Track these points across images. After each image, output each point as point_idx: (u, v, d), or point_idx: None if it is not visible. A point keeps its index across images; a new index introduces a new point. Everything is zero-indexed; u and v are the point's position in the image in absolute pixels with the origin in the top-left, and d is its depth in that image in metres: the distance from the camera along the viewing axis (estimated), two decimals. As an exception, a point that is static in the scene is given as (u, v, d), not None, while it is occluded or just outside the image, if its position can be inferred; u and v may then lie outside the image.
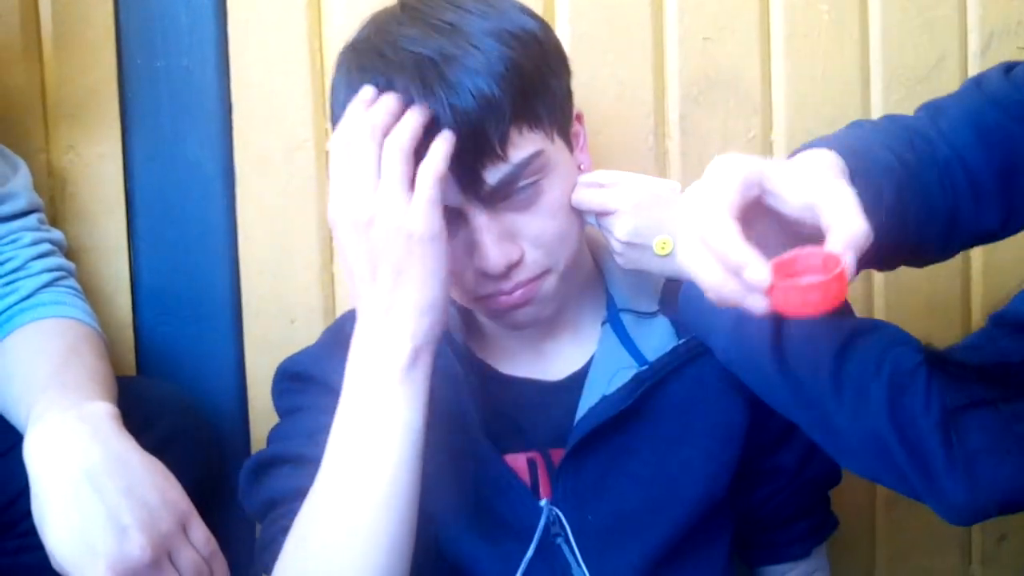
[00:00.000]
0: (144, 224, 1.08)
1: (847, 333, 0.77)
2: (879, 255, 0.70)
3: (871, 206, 0.65)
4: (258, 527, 0.90)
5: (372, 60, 0.82)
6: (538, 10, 1.10)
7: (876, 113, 1.18)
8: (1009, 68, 0.82)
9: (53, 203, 1.07)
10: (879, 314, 1.21)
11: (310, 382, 0.91)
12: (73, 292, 0.97)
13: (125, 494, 0.76)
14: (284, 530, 0.80)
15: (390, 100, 0.79)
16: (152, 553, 0.76)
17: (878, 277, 1.21)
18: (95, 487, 0.76)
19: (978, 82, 0.84)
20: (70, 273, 1.00)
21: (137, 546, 0.75)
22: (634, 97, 1.14)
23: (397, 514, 0.77)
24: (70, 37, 1.06)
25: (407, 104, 0.79)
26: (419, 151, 0.79)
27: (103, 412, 0.81)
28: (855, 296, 1.20)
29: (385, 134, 0.78)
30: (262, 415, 1.07)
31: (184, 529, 0.80)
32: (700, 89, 1.15)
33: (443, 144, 0.78)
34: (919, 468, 0.72)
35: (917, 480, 0.73)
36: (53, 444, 0.78)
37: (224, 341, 1.09)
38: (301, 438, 0.87)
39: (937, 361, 0.75)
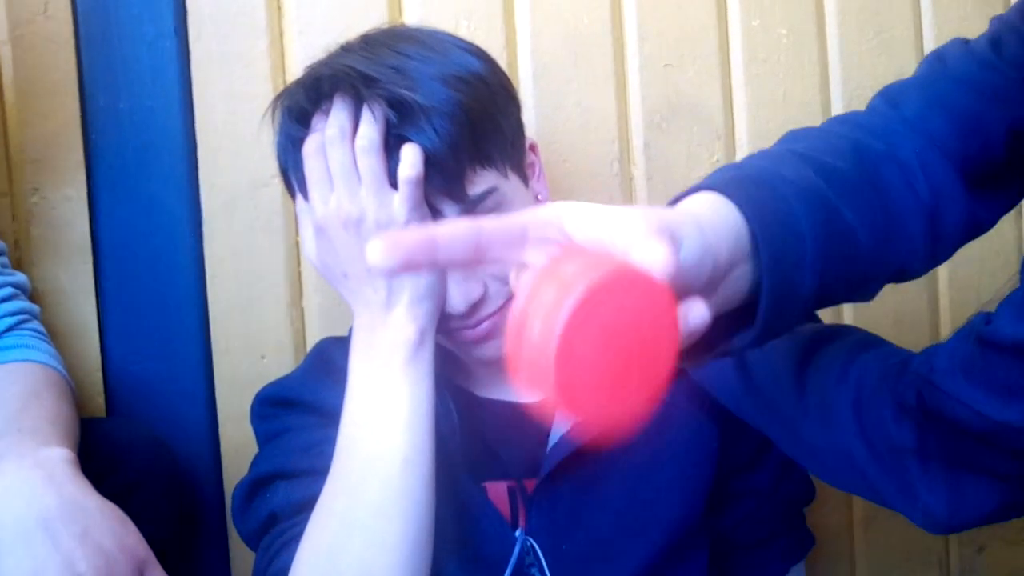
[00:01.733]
0: (111, 265, 1.08)
1: (809, 339, 0.76)
2: (850, 284, 0.64)
3: (787, 235, 0.57)
4: (235, 562, 0.89)
5: (307, 79, 0.84)
6: (500, 42, 1.12)
7: (838, 134, 1.20)
8: (967, 42, 0.78)
9: (18, 246, 1.06)
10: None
11: (295, 406, 0.91)
12: (37, 335, 0.96)
13: (80, 540, 0.75)
14: (289, 543, 0.80)
15: (350, 105, 0.80)
16: None
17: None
18: (49, 534, 0.74)
19: (940, 57, 0.77)
20: (34, 316, 0.99)
21: None
22: (598, 125, 1.15)
23: (414, 495, 0.78)
24: (32, 80, 1.06)
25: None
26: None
27: (59, 457, 0.80)
28: (822, 313, 1.21)
29: (351, 137, 0.80)
30: (234, 452, 1.07)
31: (142, 575, 0.78)
32: (663, 115, 1.16)
33: (411, 150, 0.79)
34: (894, 481, 0.71)
35: (891, 492, 0.72)
36: (7, 491, 0.76)
37: (194, 379, 1.09)
38: (294, 454, 0.87)
39: (911, 366, 0.72)
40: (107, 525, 0.77)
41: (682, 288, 0.52)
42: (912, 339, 1.22)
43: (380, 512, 0.77)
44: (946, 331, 1.24)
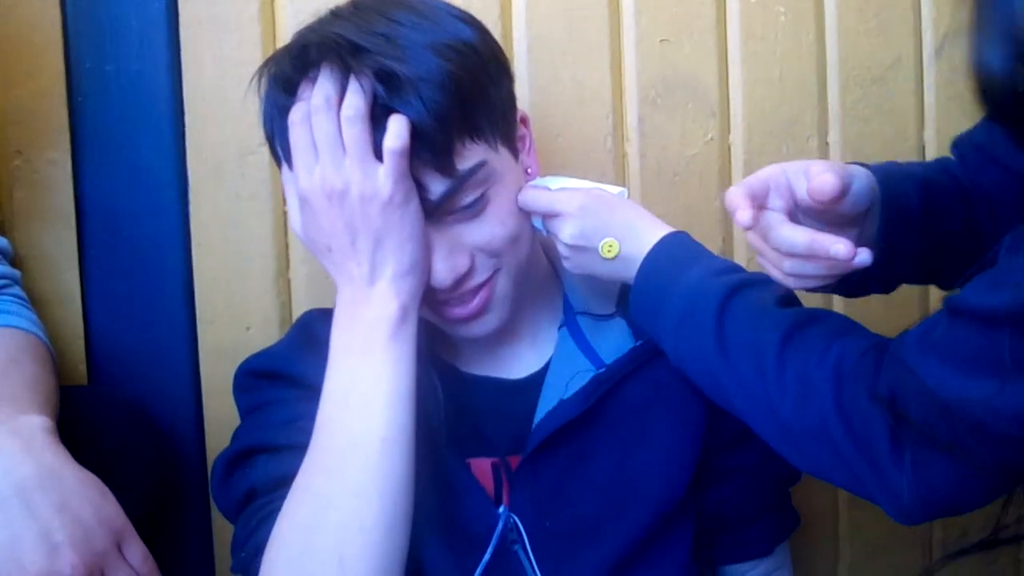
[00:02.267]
0: (95, 231, 1.06)
1: (791, 323, 0.76)
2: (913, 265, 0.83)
3: (901, 207, 0.80)
4: (217, 534, 0.88)
5: (293, 46, 0.83)
6: (495, 14, 1.10)
7: (833, 114, 1.19)
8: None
9: (0, 210, 1.04)
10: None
11: (278, 378, 0.90)
12: (18, 300, 0.95)
13: (57, 510, 0.74)
14: (268, 517, 0.79)
15: (336, 74, 0.79)
16: (84, 571, 0.73)
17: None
18: (25, 502, 0.73)
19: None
20: (15, 281, 0.98)
21: (68, 564, 0.73)
22: (592, 99, 1.14)
23: (392, 476, 0.77)
24: (16, 40, 1.04)
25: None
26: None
27: (37, 425, 0.79)
28: (813, 299, 1.20)
29: (337, 107, 0.78)
30: (217, 424, 1.05)
31: (120, 547, 0.77)
32: (658, 92, 1.15)
33: (398, 120, 0.77)
34: (866, 460, 0.71)
35: (865, 474, 0.72)
36: None
37: (178, 349, 1.07)
38: (275, 428, 0.86)
39: (889, 349, 0.73)
40: (85, 495, 0.76)
41: (851, 212, 0.81)
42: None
43: (357, 492, 0.77)
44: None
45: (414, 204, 0.80)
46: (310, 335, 0.91)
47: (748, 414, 0.80)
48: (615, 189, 0.91)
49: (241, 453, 0.87)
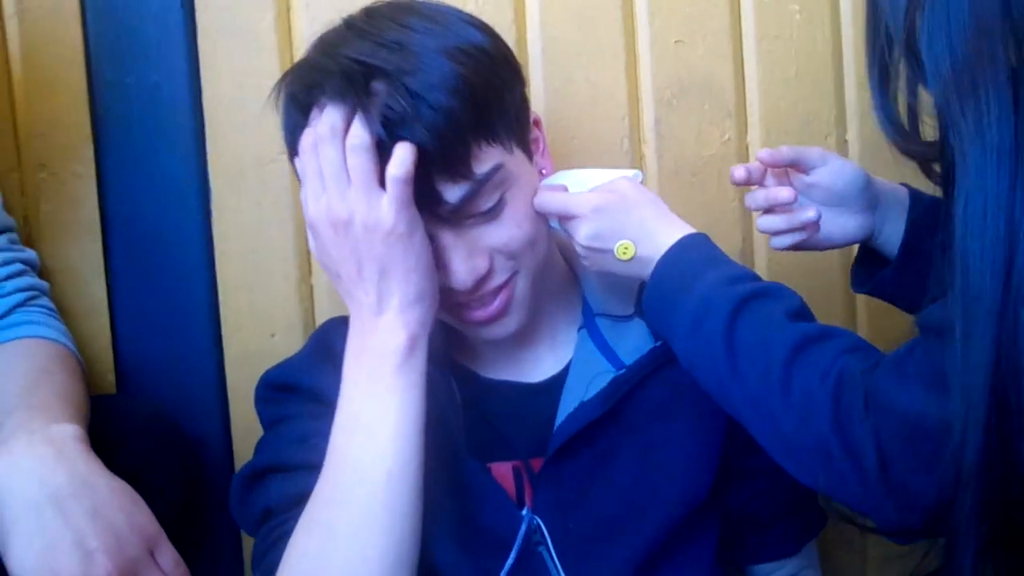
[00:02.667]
0: (120, 242, 1.07)
1: (800, 338, 0.77)
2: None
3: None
4: (246, 541, 0.89)
5: (309, 72, 0.82)
6: (509, 17, 1.10)
7: (850, 113, 1.19)
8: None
9: (27, 223, 1.06)
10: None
11: (296, 391, 0.90)
12: (46, 312, 0.96)
13: (91, 517, 0.75)
14: (281, 538, 0.80)
15: (345, 105, 0.79)
16: None
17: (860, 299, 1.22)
18: (60, 510, 0.75)
19: None
20: (43, 292, 0.99)
21: (103, 570, 0.74)
22: (608, 101, 1.14)
23: (399, 508, 0.78)
24: (39, 56, 1.05)
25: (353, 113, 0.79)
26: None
27: (70, 434, 0.80)
28: (839, 312, 1.21)
29: (343, 136, 0.79)
30: (244, 430, 1.07)
31: (152, 553, 0.79)
32: (674, 92, 1.15)
33: (404, 148, 0.78)
34: (860, 480, 0.72)
35: (859, 493, 0.72)
36: (17, 467, 0.76)
37: (204, 357, 1.09)
38: (292, 446, 0.87)
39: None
40: (118, 502, 0.77)
41: (840, 192, 0.96)
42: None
43: (363, 524, 0.77)
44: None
45: (419, 233, 0.80)
46: (327, 346, 0.92)
47: (753, 425, 0.80)
48: (629, 172, 0.91)
49: (255, 473, 0.89)
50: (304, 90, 0.82)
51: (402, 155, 0.77)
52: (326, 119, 0.79)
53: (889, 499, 0.71)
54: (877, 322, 1.22)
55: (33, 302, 0.96)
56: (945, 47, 0.66)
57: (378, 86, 0.78)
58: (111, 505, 0.77)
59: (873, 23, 0.75)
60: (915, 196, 0.98)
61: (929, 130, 0.73)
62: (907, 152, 0.76)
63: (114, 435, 0.87)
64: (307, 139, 0.80)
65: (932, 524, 0.71)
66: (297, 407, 0.89)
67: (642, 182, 0.92)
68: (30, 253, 1.00)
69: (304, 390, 0.90)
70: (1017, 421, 0.63)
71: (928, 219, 0.94)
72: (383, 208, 0.78)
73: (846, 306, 1.22)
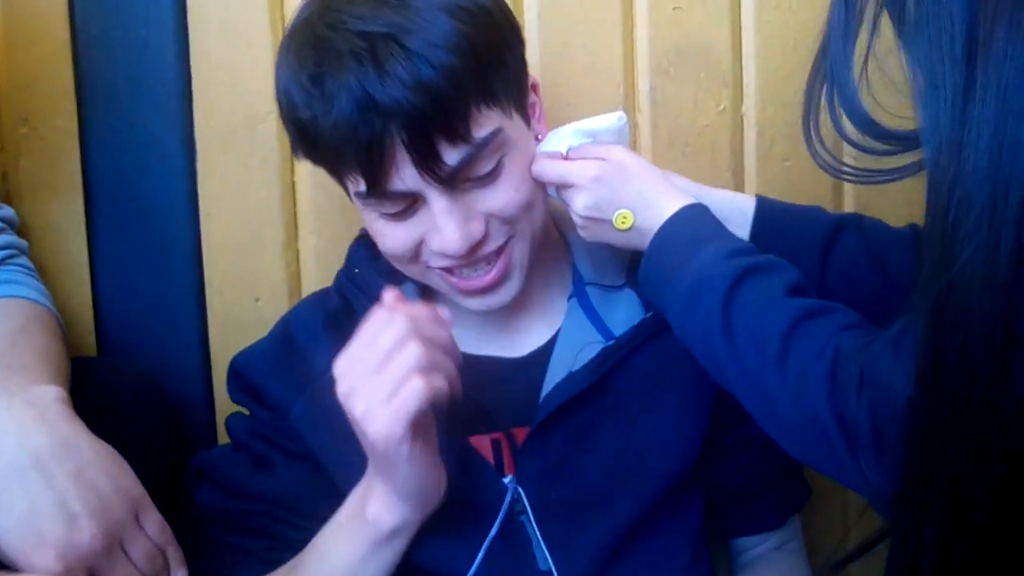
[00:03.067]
0: (103, 200, 1.05)
1: (798, 314, 0.76)
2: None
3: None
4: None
5: (315, 49, 0.79)
6: (506, -20, 1.08)
7: (847, 84, 1.18)
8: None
9: (6, 179, 1.04)
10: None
11: (257, 398, 0.92)
12: (25, 271, 0.94)
13: (75, 480, 0.74)
14: (217, 548, 0.88)
15: (352, 82, 0.76)
16: (103, 541, 0.74)
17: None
18: (43, 473, 0.74)
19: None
20: (22, 251, 0.97)
21: (88, 534, 0.73)
22: (604, 68, 1.12)
23: None
24: (21, 5, 1.02)
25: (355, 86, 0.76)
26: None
27: (52, 396, 0.79)
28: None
29: (420, 339, 0.75)
30: (227, 394, 1.05)
31: (136, 517, 0.78)
32: (670, 60, 1.13)
33: (414, 389, 0.74)
34: (852, 456, 0.71)
35: (853, 469, 0.72)
36: None
37: (187, 320, 1.07)
38: (226, 461, 0.93)
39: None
40: (101, 465, 0.76)
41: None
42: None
43: None
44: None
45: (426, 437, 0.78)
46: (289, 340, 0.93)
47: (747, 399, 0.80)
48: (613, 116, 0.90)
49: (196, 471, 0.94)
50: (309, 65, 0.79)
51: (412, 393, 0.74)
52: (419, 317, 0.77)
53: (881, 475, 0.70)
54: None
55: (11, 261, 0.95)
56: None
57: (382, 54, 0.76)
58: (95, 467, 0.76)
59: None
60: (763, 206, 0.95)
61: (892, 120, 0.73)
62: (877, 140, 0.73)
63: (96, 398, 0.86)
64: (387, 313, 0.77)
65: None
66: (258, 423, 0.92)
67: (626, 124, 0.92)
68: (7, 210, 0.98)
69: (256, 391, 0.92)
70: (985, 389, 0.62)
71: (777, 229, 0.92)
72: (388, 413, 0.74)
73: None
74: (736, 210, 0.94)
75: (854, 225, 0.94)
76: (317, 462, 0.91)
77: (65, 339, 0.92)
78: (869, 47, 0.73)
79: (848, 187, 1.17)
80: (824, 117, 0.75)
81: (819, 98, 0.75)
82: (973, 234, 0.60)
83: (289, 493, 0.91)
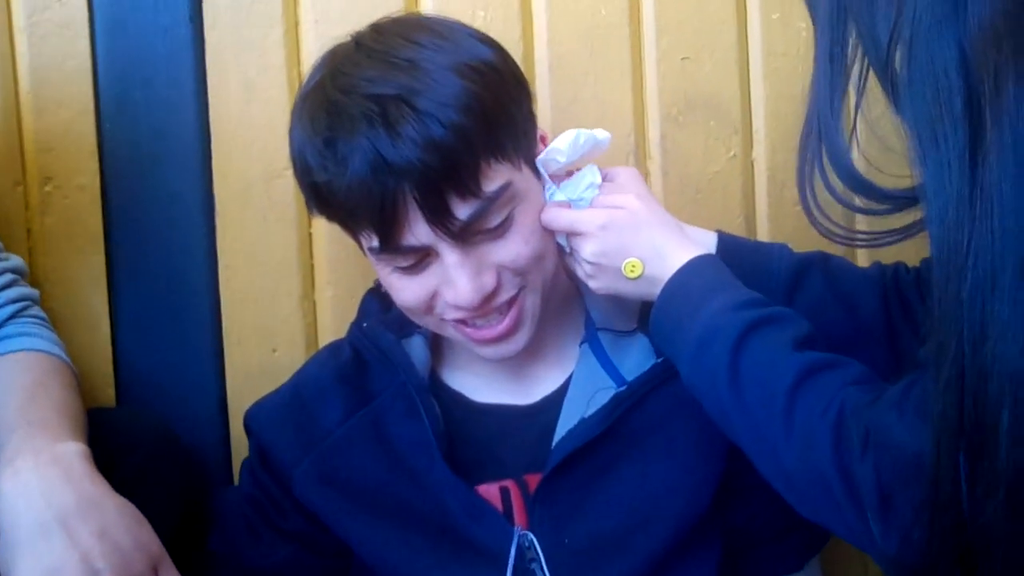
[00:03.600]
0: (123, 255, 1.08)
1: (805, 368, 0.75)
2: None
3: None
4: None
5: (328, 113, 0.81)
6: (517, 33, 1.11)
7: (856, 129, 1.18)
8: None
9: (31, 235, 1.06)
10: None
11: (262, 462, 0.94)
12: (38, 322, 0.96)
13: (98, 538, 0.75)
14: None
15: (363, 143, 0.78)
16: None
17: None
18: (67, 531, 0.75)
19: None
20: (34, 301, 0.99)
21: None
22: (614, 118, 1.14)
23: None
24: (47, 70, 1.06)
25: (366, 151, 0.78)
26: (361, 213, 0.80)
27: (75, 452, 0.80)
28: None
29: None
30: (244, 445, 1.06)
31: (156, 572, 0.79)
32: (680, 109, 1.15)
33: None
34: (859, 517, 0.70)
35: (860, 530, 0.70)
36: (26, 488, 0.76)
37: (205, 371, 1.09)
38: (230, 519, 0.96)
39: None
40: (123, 523, 0.78)
41: None
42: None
43: None
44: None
45: None
46: (298, 397, 0.95)
47: (754, 453, 0.79)
48: (601, 135, 0.92)
49: (214, 517, 0.97)
50: (322, 130, 0.81)
51: None
52: None
53: (889, 536, 0.69)
54: None
55: (24, 313, 0.96)
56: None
57: (393, 115, 0.78)
58: (118, 526, 0.77)
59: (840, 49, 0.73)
60: (724, 243, 0.95)
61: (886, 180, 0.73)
62: (870, 200, 0.73)
63: (113, 448, 0.87)
64: None
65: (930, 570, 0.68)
66: (257, 488, 0.95)
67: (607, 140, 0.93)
68: (16, 260, 1.00)
69: (269, 460, 0.94)
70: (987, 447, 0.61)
71: (740, 266, 0.89)
72: None
73: None
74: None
75: (819, 264, 0.94)
76: (310, 537, 0.93)
77: (80, 390, 0.93)
78: (857, 106, 0.73)
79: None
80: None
81: (812, 161, 0.74)
82: (1006, 293, 0.58)
83: (275, 571, 0.94)
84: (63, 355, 0.94)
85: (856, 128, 0.73)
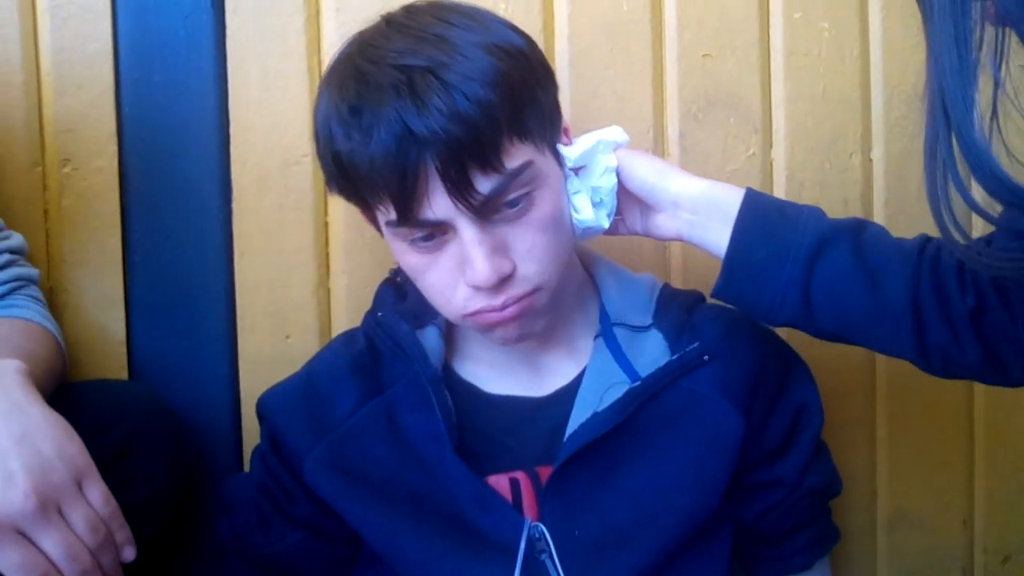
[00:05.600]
0: (140, 238, 1.08)
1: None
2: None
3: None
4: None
5: (356, 82, 0.81)
6: (538, 27, 1.11)
7: (877, 131, 1.18)
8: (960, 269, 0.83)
9: (48, 216, 1.07)
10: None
11: (273, 448, 0.94)
12: (31, 299, 0.96)
13: (17, 440, 0.74)
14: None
15: (390, 114, 0.78)
16: (37, 501, 0.73)
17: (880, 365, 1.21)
18: None
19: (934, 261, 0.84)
20: (31, 280, 0.99)
21: (21, 492, 0.72)
22: (634, 114, 1.13)
23: None
24: (69, 52, 1.06)
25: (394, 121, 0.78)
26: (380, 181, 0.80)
27: (12, 367, 0.79)
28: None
29: None
30: (254, 431, 1.06)
31: (80, 486, 0.77)
32: (700, 107, 1.15)
33: None
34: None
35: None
36: None
37: (218, 357, 1.09)
38: (248, 529, 0.95)
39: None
40: (48, 432, 0.76)
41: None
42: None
43: None
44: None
45: None
46: (311, 385, 0.95)
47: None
48: (621, 137, 0.92)
49: (219, 501, 0.98)
50: (349, 98, 0.81)
51: None
52: None
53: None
54: (898, 383, 1.21)
55: (20, 291, 0.96)
56: None
57: (420, 86, 0.78)
58: (41, 433, 0.76)
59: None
60: (750, 201, 0.89)
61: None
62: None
63: (103, 416, 0.88)
64: None
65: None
66: (268, 475, 0.94)
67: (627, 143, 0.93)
68: (16, 239, 1.00)
69: (281, 446, 0.93)
70: None
71: (759, 224, 0.87)
72: None
73: (865, 370, 1.21)
74: (712, 205, 0.90)
75: (849, 234, 0.87)
76: (320, 524, 0.93)
77: (59, 358, 0.93)
78: (996, 96, 0.60)
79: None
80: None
81: (944, 169, 0.62)
82: None
83: (283, 559, 0.94)
84: (48, 325, 0.94)
85: (998, 121, 0.60)
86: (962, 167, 0.60)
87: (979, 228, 0.71)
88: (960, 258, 0.77)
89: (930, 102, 0.62)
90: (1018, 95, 0.59)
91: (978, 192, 0.61)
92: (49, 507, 0.74)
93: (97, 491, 0.77)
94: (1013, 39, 0.59)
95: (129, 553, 0.80)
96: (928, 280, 0.83)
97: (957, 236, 0.63)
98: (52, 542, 0.73)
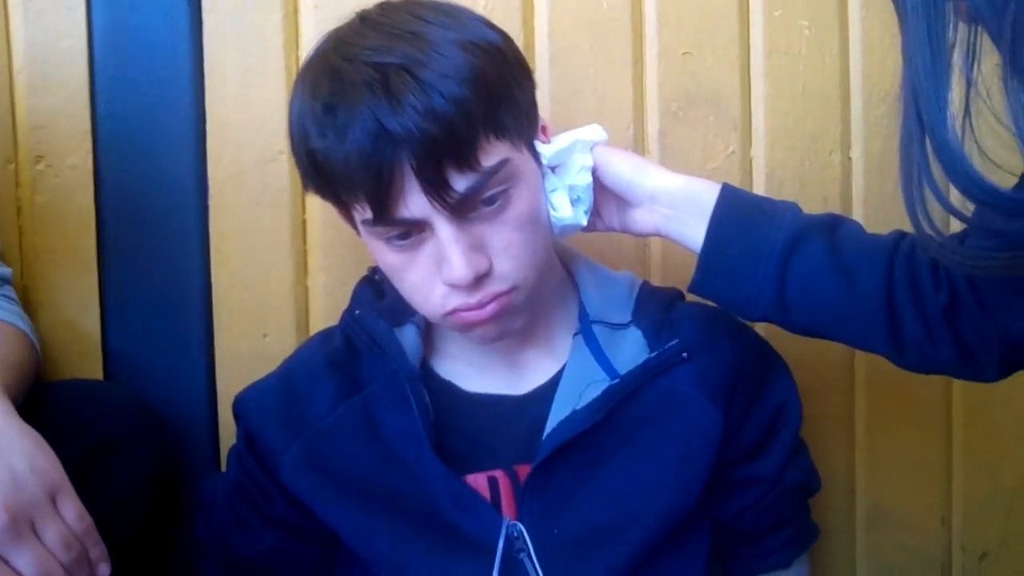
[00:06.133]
0: (115, 236, 1.07)
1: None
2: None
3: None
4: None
5: (330, 79, 0.80)
6: (518, 24, 1.10)
7: (856, 129, 1.18)
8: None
9: (21, 214, 1.06)
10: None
11: (249, 447, 0.93)
12: (2, 297, 0.95)
13: None
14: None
15: (363, 111, 0.77)
16: (8, 518, 0.71)
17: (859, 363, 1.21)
18: None
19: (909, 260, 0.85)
20: (4, 280, 0.98)
21: None
22: (614, 112, 1.13)
23: None
24: (42, 48, 1.05)
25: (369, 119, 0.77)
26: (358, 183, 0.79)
27: None
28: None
29: None
30: (231, 430, 1.05)
31: (54, 501, 0.75)
32: (680, 104, 1.14)
33: None
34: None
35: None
36: None
37: (195, 355, 1.08)
38: (226, 528, 0.94)
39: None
40: (21, 445, 0.75)
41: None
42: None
43: None
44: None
45: None
46: (288, 383, 0.94)
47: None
48: (599, 136, 0.92)
49: (202, 506, 0.97)
50: (323, 96, 0.80)
51: None
52: None
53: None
54: (877, 381, 1.21)
55: None
56: None
57: (395, 84, 0.77)
58: (13, 448, 0.74)
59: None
60: (727, 196, 0.89)
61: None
62: (997, 209, 0.61)
63: (82, 416, 0.87)
64: None
65: None
66: (244, 475, 0.93)
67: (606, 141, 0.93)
68: None
69: (256, 444, 0.92)
70: None
71: (735, 219, 0.87)
72: None
73: (843, 368, 1.21)
74: (689, 200, 0.90)
75: (824, 230, 0.87)
76: (297, 524, 0.93)
77: (33, 358, 0.92)
78: (968, 94, 0.60)
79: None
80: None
81: (919, 170, 0.62)
82: None
83: (261, 559, 0.94)
84: (22, 325, 0.93)
85: (970, 120, 0.60)
86: (936, 167, 0.60)
87: (954, 226, 0.71)
88: (934, 256, 0.78)
89: (904, 102, 0.62)
90: (990, 95, 0.59)
91: (952, 192, 0.61)
92: (22, 524, 0.72)
93: (71, 507, 0.76)
94: (985, 38, 0.59)
95: (104, 570, 0.78)
96: (902, 276, 0.83)
97: (932, 234, 0.64)
98: (25, 560, 0.72)
